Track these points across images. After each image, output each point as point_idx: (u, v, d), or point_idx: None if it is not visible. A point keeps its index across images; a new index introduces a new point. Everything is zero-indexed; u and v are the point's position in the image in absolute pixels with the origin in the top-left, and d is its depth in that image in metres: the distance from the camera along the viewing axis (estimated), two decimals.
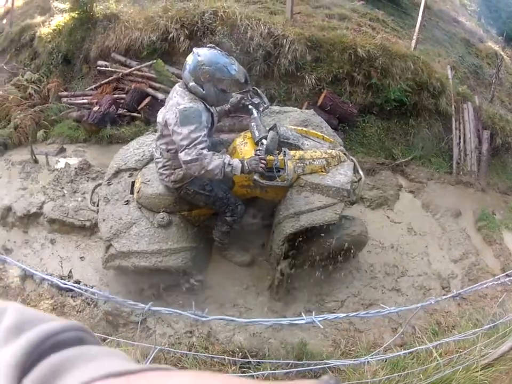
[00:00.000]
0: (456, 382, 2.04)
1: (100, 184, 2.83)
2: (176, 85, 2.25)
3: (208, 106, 2.14)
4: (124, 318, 2.55)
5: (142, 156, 2.64)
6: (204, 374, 0.31)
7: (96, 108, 3.91)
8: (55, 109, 4.41)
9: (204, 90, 2.08)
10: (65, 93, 4.51)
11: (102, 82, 4.24)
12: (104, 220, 2.46)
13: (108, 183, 2.62)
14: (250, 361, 2.07)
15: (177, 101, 2.07)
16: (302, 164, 2.35)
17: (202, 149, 2.00)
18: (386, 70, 4.24)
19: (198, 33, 4.20)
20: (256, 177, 2.08)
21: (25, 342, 0.30)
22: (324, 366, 2.09)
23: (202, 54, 2.06)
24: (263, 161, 2.07)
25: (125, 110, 3.94)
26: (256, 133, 2.20)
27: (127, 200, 2.52)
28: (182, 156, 2.02)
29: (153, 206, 2.43)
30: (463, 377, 2.06)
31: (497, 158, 5.30)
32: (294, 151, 2.34)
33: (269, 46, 3.99)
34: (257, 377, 1.97)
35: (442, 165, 4.30)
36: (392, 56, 4.35)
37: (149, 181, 2.44)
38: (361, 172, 2.61)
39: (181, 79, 2.22)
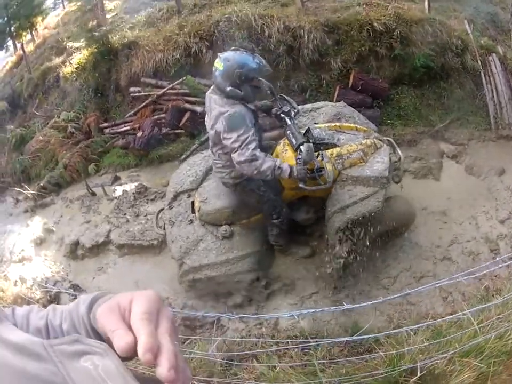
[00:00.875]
0: (488, 350, 2.09)
1: (162, 209, 3.09)
2: (208, 93, 2.39)
3: (248, 106, 2.31)
4: (199, 320, 2.81)
5: (196, 176, 2.90)
6: None
7: (140, 134, 4.25)
8: (100, 142, 4.77)
9: (242, 91, 2.24)
10: (105, 124, 4.87)
11: (140, 107, 4.57)
12: (173, 241, 2.74)
13: (169, 207, 2.90)
14: (310, 343, 2.26)
15: (219, 110, 2.24)
16: (340, 160, 2.54)
17: (254, 148, 2.17)
18: (406, 39, 4.36)
19: (218, 42, 4.45)
20: (301, 185, 2.26)
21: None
22: (372, 338, 2.25)
23: (231, 58, 2.23)
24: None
25: (168, 129, 4.26)
26: (294, 141, 2.33)
27: (191, 220, 2.79)
28: (236, 156, 2.19)
29: (215, 221, 2.69)
30: (495, 345, 2.10)
31: None
32: (331, 150, 2.52)
33: (289, 40, 4.21)
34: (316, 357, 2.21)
35: (480, 122, 4.37)
36: (408, 24, 4.46)
37: (206, 199, 2.69)
38: (399, 151, 2.78)
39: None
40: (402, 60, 4.29)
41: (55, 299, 3.31)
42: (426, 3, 4.95)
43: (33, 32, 8.20)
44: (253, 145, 2.17)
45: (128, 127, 4.60)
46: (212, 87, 2.41)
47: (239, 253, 2.65)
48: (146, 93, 4.59)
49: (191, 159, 3.18)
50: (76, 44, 6.09)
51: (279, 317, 2.64)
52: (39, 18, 9.49)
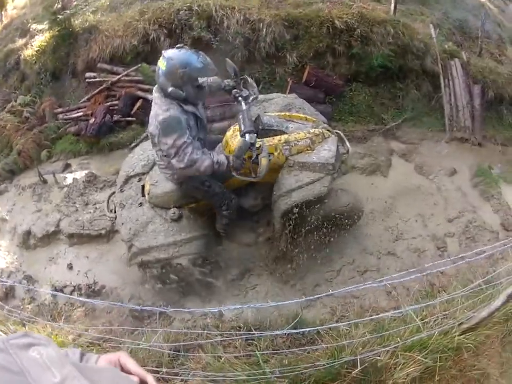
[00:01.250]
0: (433, 346, 2.18)
1: (113, 193, 3.09)
2: (154, 90, 2.35)
3: (184, 107, 2.25)
4: (147, 311, 2.81)
5: (147, 161, 2.92)
6: None
7: (92, 120, 4.16)
8: (53, 127, 4.66)
9: (183, 92, 2.19)
10: (59, 110, 4.76)
11: (93, 93, 4.48)
12: (122, 224, 2.76)
13: (120, 190, 2.92)
14: (254, 334, 2.28)
15: (155, 111, 2.22)
16: (288, 147, 2.59)
17: (191, 153, 2.18)
18: (366, 38, 4.38)
19: (177, 30, 4.40)
20: (234, 173, 2.33)
21: None
22: (314, 330, 2.32)
23: (174, 58, 2.16)
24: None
25: (119, 116, 4.19)
26: (242, 127, 2.33)
27: (141, 203, 2.81)
28: (175, 163, 2.21)
29: (164, 204, 2.72)
30: (439, 341, 2.20)
31: (492, 111, 5.36)
32: (279, 136, 2.59)
33: (247, 32, 4.19)
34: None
35: (434, 123, 4.44)
36: (370, 24, 4.48)
37: (156, 182, 2.72)
38: (348, 144, 2.83)
39: None
40: (360, 58, 4.31)
41: (10, 291, 3.36)
42: (392, 5, 4.99)
43: (2, 13, 7.98)
44: (189, 150, 2.17)
45: (81, 113, 4.50)
46: (154, 88, 2.35)
47: (187, 235, 2.69)
48: (102, 79, 4.50)
49: (144, 144, 3.16)
50: (40, 26, 5.94)
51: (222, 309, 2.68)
52: None
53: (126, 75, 4.35)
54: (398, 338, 2.15)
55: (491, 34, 6.40)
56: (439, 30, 5.28)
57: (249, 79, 2.61)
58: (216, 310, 2.72)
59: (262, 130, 2.41)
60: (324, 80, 4.11)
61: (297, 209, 2.55)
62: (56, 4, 5.94)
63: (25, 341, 0.63)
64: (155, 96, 2.28)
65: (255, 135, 2.27)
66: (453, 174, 4.16)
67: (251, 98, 2.51)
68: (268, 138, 2.53)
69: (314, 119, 2.88)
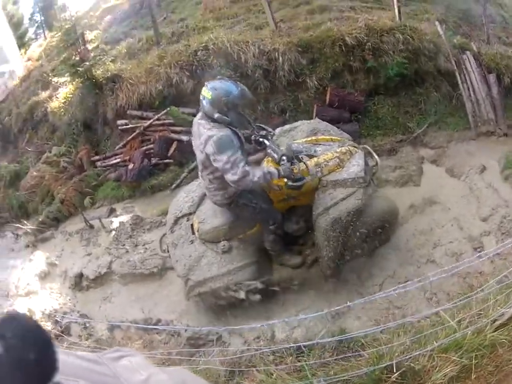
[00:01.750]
0: (468, 345, 2.22)
1: (164, 234, 3.33)
2: (196, 120, 2.58)
3: (234, 129, 2.52)
4: (203, 339, 3.02)
5: (192, 202, 3.15)
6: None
7: (131, 166, 4.47)
8: (93, 175, 5.00)
9: (228, 117, 2.46)
10: (97, 157, 5.10)
11: (128, 139, 4.80)
12: (177, 261, 3.00)
13: (171, 231, 3.15)
14: (303, 350, 2.45)
15: (208, 134, 2.43)
16: (319, 168, 2.78)
17: (243, 166, 2.40)
18: (378, 49, 4.56)
19: (198, 71, 4.66)
20: (290, 183, 2.54)
21: None
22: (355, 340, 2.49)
23: (218, 88, 2.43)
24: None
25: (157, 159, 4.48)
26: (275, 155, 2.62)
27: (192, 240, 3.02)
28: (230, 177, 2.40)
29: (214, 238, 2.92)
30: (473, 340, 2.24)
31: (510, 97, 5.43)
32: (310, 160, 2.77)
33: (265, 64, 4.43)
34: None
35: (459, 122, 4.55)
36: (379, 34, 4.65)
37: (204, 219, 2.94)
38: (376, 156, 3.01)
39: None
40: (376, 71, 4.49)
41: (65, 330, 3.49)
42: (396, 10, 5.13)
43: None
44: (242, 163, 2.40)
45: (118, 159, 4.82)
46: (199, 114, 2.61)
47: (239, 263, 2.88)
48: (133, 125, 4.81)
49: (186, 187, 3.40)
50: (61, 79, 6.30)
51: (273, 324, 2.80)
52: (22, 50, 9.86)
53: (157, 119, 4.64)
54: (434, 341, 2.22)
55: (495, 17, 6.46)
56: (445, 25, 5.38)
57: (261, 125, 2.86)
58: (264, 326, 2.79)
59: (293, 157, 2.64)
60: (346, 98, 4.31)
61: (337, 225, 2.71)
62: (73, 56, 6.33)
63: (117, 354, 0.84)
64: (201, 122, 2.52)
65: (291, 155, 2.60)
66: (482, 171, 4.23)
67: (270, 136, 2.80)
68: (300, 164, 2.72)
69: (339, 138, 3.07)
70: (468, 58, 5.17)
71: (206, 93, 2.44)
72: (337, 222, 2.72)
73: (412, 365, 2.18)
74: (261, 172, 2.45)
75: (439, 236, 3.53)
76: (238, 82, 2.57)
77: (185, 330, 3.19)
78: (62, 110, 5.81)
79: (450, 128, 4.47)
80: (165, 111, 4.62)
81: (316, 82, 4.42)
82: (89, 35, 7.20)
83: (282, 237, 2.99)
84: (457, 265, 3.27)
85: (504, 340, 2.30)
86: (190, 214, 3.13)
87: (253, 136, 2.79)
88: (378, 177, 3.46)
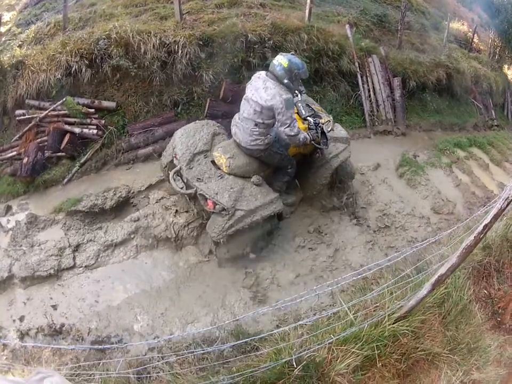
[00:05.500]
0: (367, 337, 2.42)
1: (178, 170, 3.35)
2: (262, 75, 3.10)
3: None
4: (106, 342, 3.06)
5: (206, 140, 3.45)
6: None
7: (25, 160, 4.24)
8: None
9: (293, 85, 3.08)
10: None
11: (24, 130, 4.54)
12: (217, 194, 3.11)
13: (189, 167, 3.28)
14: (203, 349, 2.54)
15: (278, 91, 2.97)
16: (326, 127, 3.42)
17: (297, 126, 3.07)
18: (280, 48, 4.62)
19: (97, 60, 4.45)
20: (313, 143, 3.27)
21: None
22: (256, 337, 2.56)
23: (293, 61, 3.03)
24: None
25: (50, 152, 4.29)
26: (303, 111, 3.40)
27: (220, 175, 3.25)
28: (287, 131, 3.03)
29: (245, 173, 3.27)
30: (372, 332, 2.44)
31: (415, 100, 5.70)
32: (320, 120, 3.43)
33: (163, 56, 4.33)
34: None
35: (355, 121, 4.73)
36: (284, 33, 4.73)
37: (233, 155, 3.26)
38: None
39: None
40: None
41: None
42: (307, 11, 5.21)
43: None
44: (296, 124, 3.07)
45: (15, 152, 4.56)
46: (263, 72, 3.15)
47: (272, 196, 3.29)
48: (31, 116, 4.58)
49: (186, 127, 3.57)
50: None
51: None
52: None
53: (53, 110, 4.44)
54: (331, 335, 2.39)
55: (413, 24, 6.74)
56: (355, 29, 5.55)
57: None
58: (158, 341, 2.91)
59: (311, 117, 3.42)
60: (240, 94, 4.25)
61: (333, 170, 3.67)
62: None
63: (39, 376, 1.01)
64: (269, 80, 3.04)
65: (311, 120, 3.32)
66: (376, 168, 4.45)
67: (302, 92, 3.55)
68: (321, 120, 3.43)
69: (323, 110, 3.87)
70: (373, 61, 5.37)
71: (283, 61, 3.00)
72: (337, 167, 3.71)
73: (312, 358, 2.31)
74: (303, 135, 3.15)
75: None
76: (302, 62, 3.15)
77: (88, 334, 3.13)
78: None
79: (345, 126, 4.59)
80: (61, 101, 4.43)
81: (211, 77, 4.39)
82: (6, 16, 6.81)
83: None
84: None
85: (405, 331, 2.53)
86: (207, 151, 3.40)
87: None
88: None
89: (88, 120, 4.38)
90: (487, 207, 4.77)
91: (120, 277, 3.43)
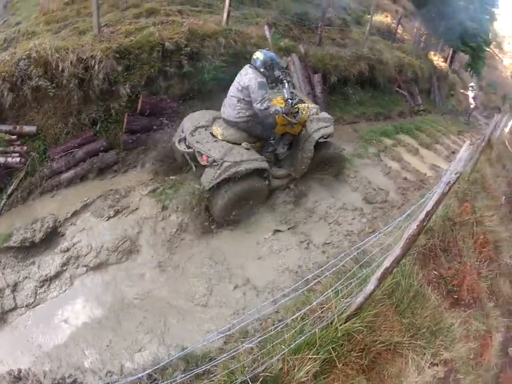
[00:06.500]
0: (320, 341, 2.40)
1: (181, 140, 4.07)
2: (247, 67, 3.86)
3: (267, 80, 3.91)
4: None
5: (208, 118, 4.15)
6: None
7: None
8: None
9: (268, 73, 3.85)
10: None
11: None
12: (209, 150, 3.79)
13: (191, 135, 3.99)
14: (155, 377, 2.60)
15: (254, 76, 3.72)
16: (309, 110, 4.34)
17: (268, 102, 3.71)
18: (197, 54, 4.77)
19: (17, 82, 4.28)
20: (284, 116, 3.94)
21: None
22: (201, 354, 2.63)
23: (268, 55, 3.83)
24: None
25: None
26: (286, 95, 4.01)
27: (216, 140, 3.94)
28: (258, 106, 3.69)
29: (236, 140, 3.95)
30: (324, 335, 2.42)
31: (337, 94, 6.03)
32: (304, 104, 4.29)
33: (80, 72, 4.29)
34: None
35: None
36: (201, 39, 4.85)
37: (226, 126, 3.99)
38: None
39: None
40: (192, 75, 4.69)
41: None
42: (225, 14, 5.36)
43: None
44: (267, 101, 3.72)
45: None
46: (248, 65, 3.88)
47: (257, 155, 3.94)
48: None
49: (192, 114, 4.29)
50: None
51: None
52: None
53: None
54: (283, 346, 2.37)
55: (334, 20, 7.08)
56: (275, 29, 5.79)
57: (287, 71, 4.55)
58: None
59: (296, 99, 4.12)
60: (158, 105, 4.44)
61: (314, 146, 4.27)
62: None
63: None
64: (250, 70, 3.80)
65: (293, 100, 4.02)
66: None
67: (290, 82, 4.18)
68: (302, 105, 4.22)
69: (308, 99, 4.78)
70: (293, 60, 5.66)
71: (260, 55, 3.81)
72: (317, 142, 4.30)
73: (268, 372, 2.31)
74: (274, 108, 3.80)
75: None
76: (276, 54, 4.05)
77: (44, 377, 2.98)
78: None
79: None
80: None
81: (128, 90, 4.43)
82: None
83: (275, 152, 4.35)
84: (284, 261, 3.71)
85: (359, 327, 2.54)
86: (208, 126, 4.10)
87: (281, 76, 4.08)
88: None
89: (12, 148, 4.26)
90: (422, 191, 5.01)
91: (60, 312, 3.34)
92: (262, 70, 3.82)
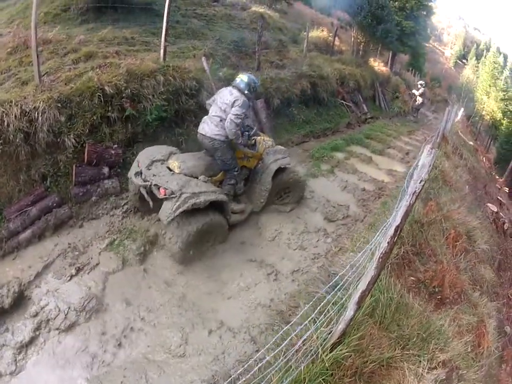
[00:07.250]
0: (308, 376, 2.34)
1: (137, 173, 4.21)
2: (228, 88, 4.25)
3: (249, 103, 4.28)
4: None
5: (164, 153, 4.32)
6: None
7: None
8: None
9: (251, 95, 4.24)
10: None
11: None
12: (167, 182, 3.89)
13: (148, 168, 4.14)
14: None
15: (240, 96, 4.08)
16: (265, 142, 4.79)
17: (241, 122, 4.09)
18: (138, 95, 4.93)
19: None
20: (242, 147, 4.41)
21: None
22: None
23: (251, 77, 4.24)
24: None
25: None
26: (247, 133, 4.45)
27: (173, 173, 4.07)
28: (234, 118, 3.99)
29: (193, 173, 4.11)
30: (312, 369, 2.36)
31: (282, 117, 6.22)
32: (260, 137, 4.77)
33: (25, 126, 4.29)
34: None
35: None
36: (140, 79, 5.02)
37: (184, 160, 4.17)
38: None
39: None
40: (134, 118, 4.85)
41: None
42: (161, 50, 5.51)
43: None
44: (242, 120, 4.09)
45: None
46: (230, 87, 4.29)
47: (216, 188, 4.13)
48: None
49: (148, 148, 4.46)
50: None
51: None
52: None
53: None
54: None
55: (270, 43, 7.39)
56: (212, 59, 5.99)
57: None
58: None
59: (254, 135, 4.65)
60: (104, 154, 4.52)
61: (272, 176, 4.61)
62: None
63: None
64: (234, 90, 4.17)
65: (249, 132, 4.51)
66: None
67: (252, 132, 4.59)
68: (258, 138, 4.70)
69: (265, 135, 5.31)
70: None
71: (244, 78, 4.20)
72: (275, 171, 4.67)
73: None
74: (240, 131, 4.21)
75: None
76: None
77: None
78: None
79: None
80: None
81: (73, 140, 4.46)
82: None
83: (236, 185, 4.51)
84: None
85: (346, 354, 2.50)
86: (164, 160, 4.27)
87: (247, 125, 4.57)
88: None
89: None
90: (382, 198, 5.08)
91: (42, 378, 3.22)
92: (246, 92, 4.15)
